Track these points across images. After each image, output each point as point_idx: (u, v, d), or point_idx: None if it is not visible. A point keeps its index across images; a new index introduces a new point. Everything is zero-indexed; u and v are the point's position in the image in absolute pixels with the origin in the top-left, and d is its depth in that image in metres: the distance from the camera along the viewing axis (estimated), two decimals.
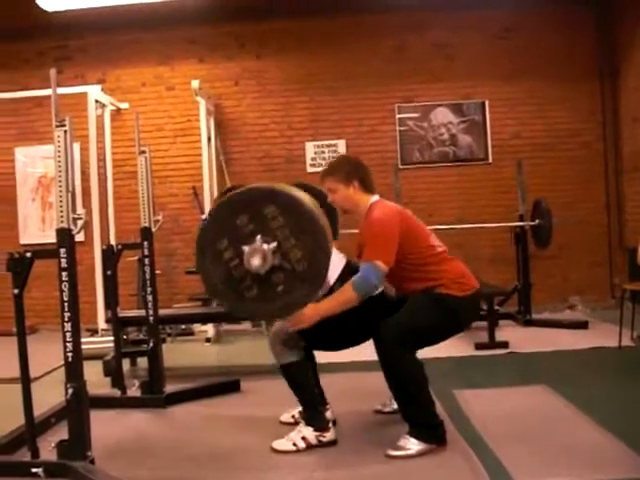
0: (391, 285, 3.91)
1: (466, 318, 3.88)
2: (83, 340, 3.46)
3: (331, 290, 3.75)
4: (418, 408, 3.65)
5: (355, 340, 3.95)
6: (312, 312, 3.58)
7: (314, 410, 3.83)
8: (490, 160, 8.52)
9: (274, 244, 3.31)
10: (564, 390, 4.60)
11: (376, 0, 7.99)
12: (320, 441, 3.73)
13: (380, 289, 3.77)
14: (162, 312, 5.29)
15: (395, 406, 4.22)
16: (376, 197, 3.85)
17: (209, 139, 8.01)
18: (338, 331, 3.80)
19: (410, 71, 8.22)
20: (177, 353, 6.82)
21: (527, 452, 3.52)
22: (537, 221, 7.39)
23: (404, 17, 8.35)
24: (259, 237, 3.32)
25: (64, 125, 3.25)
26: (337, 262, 3.86)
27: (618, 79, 8.41)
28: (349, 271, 3.74)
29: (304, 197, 3.48)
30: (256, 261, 3.29)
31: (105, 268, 5.24)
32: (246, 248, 3.32)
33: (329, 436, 3.76)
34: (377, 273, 3.55)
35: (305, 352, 3.89)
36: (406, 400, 3.69)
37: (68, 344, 3.25)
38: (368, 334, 3.81)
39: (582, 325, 7.08)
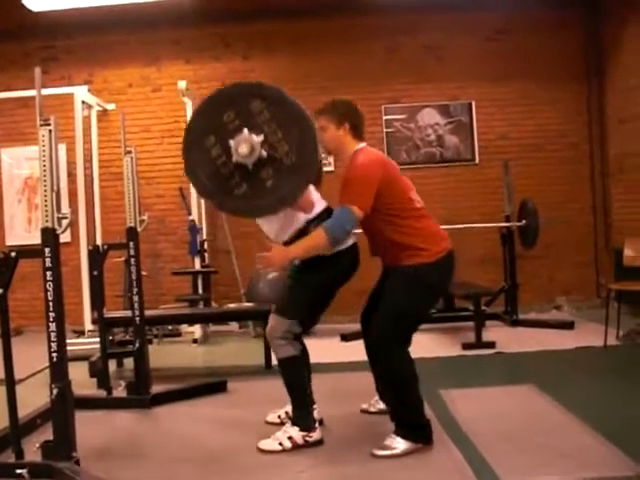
0: (368, 238, 3.86)
1: (443, 284, 3.87)
2: (69, 341, 3.45)
3: (303, 230, 3.74)
4: (407, 406, 3.66)
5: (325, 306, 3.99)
6: (282, 254, 3.59)
7: (304, 409, 3.82)
8: (477, 161, 8.54)
9: (261, 136, 3.30)
10: (550, 389, 4.61)
11: (368, 1, 8.00)
12: (306, 441, 3.73)
13: (351, 241, 3.78)
14: (148, 313, 5.26)
15: (381, 406, 4.24)
16: (364, 144, 3.83)
17: None
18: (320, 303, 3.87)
19: (399, 72, 8.21)
20: (164, 354, 6.81)
21: (513, 451, 3.53)
22: (523, 221, 7.41)
23: (395, 19, 8.36)
24: (246, 130, 3.31)
25: (49, 124, 3.24)
26: (319, 201, 3.89)
27: (604, 81, 8.44)
28: (328, 216, 3.72)
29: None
30: (244, 148, 3.28)
31: (91, 268, 5.22)
32: (232, 142, 3.31)
33: (315, 436, 3.76)
34: (351, 218, 3.52)
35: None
36: (395, 397, 3.70)
37: (53, 344, 3.24)
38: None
39: (568, 325, 7.11)
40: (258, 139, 3.30)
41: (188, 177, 3.50)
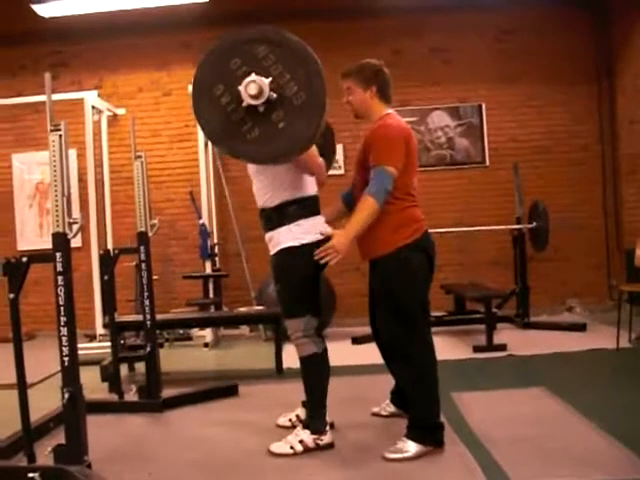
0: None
1: (431, 258, 3.78)
2: (81, 345, 3.46)
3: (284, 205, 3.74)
4: (424, 401, 3.66)
5: None
6: (343, 238, 3.53)
7: (319, 410, 3.81)
8: (487, 163, 8.53)
9: (269, 79, 3.31)
10: (562, 392, 4.60)
11: (373, 4, 8.01)
12: (317, 444, 3.73)
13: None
14: (159, 317, 5.27)
15: (392, 409, 4.25)
16: (391, 110, 3.82)
17: (206, 144, 8.00)
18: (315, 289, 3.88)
19: (407, 75, 8.19)
20: (175, 358, 6.83)
21: (525, 454, 3.51)
22: (534, 224, 7.39)
23: (401, 21, 8.37)
24: (254, 74, 3.31)
25: (59, 129, 3.25)
26: (313, 184, 3.91)
27: (615, 81, 8.42)
28: (312, 205, 3.82)
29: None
30: (252, 88, 3.28)
31: (102, 273, 5.23)
32: (241, 87, 3.32)
33: (326, 439, 3.75)
34: (388, 176, 3.52)
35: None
36: (413, 394, 3.70)
37: (64, 348, 3.25)
38: None
39: (580, 327, 7.08)
40: (266, 81, 3.31)
41: (200, 127, 3.49)
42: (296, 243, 3.66)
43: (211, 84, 3.40)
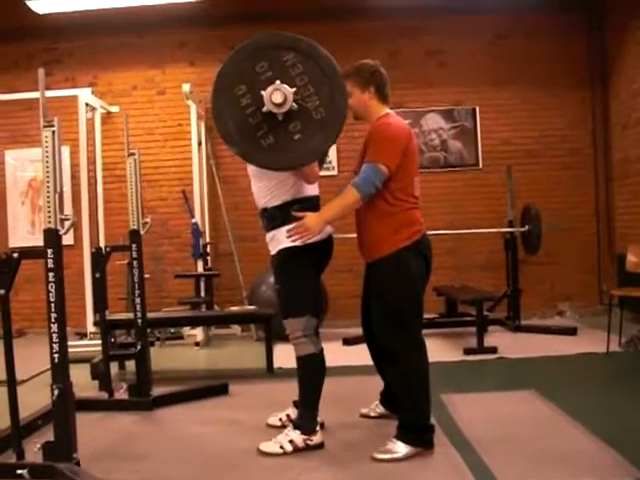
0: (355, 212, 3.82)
1: (428, 261, 3.79)
2: (71, 343, 3.46)
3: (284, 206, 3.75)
4: (414, 406, 3.66)
5: None
6: (316, 218, 3.55)
7: (311, 410, 3.81)
8: (480, 166, 8.55)
9: (294, 89, 3.32)
10: (552, 395, 4.61)
11: (370, 6, 8.02)
12: (307, 444, 3.73)
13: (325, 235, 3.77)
14: (151, 315, 5.27)
15: (381, 410, 4.25)
16: (389, 110, 3.82)
17: (199, 143, 8.01)
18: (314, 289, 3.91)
19: (402, 77, 8.17)
20: (166, 357, 6.82)
21: (514, 456, 3.52)
22: (526, 227, 7.41)
23: (398, 23, 8.39)
24: (278, 82, 3.31)
25: (52, 125, 3.25)
26: (315, 185, 3.92)
27: (608, 86, 8.44)
28: (314, 204, 3.84)
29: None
30: (278, 97, 3.28)
31: (94, 271, 5.22)
32: (264, 93, 3.31)
33: (316, 439, 3.76)
34: (379, 174, 3.53)
35: None
36: (404, 397, 3.70)
37: (54, 345, 3.25)
38: None
39: (571, 331, 7.10)
40: (291, 90, 3.31)
41: (215, 124, 3.48)
42: (298, 243, 3.66)
43: (233, 83, 3.39)
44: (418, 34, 8.50)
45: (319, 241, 3.71)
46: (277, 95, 3.28)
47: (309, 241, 3.62)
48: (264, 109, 3.33)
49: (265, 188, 3.82)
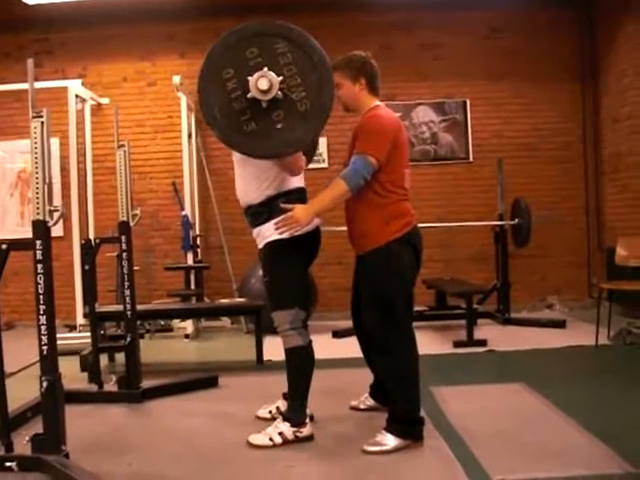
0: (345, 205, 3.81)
1: (418, 253, 3.78)
2: (61, 335, 3.44)
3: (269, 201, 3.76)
4: (404, 399, 3.66)
5: None
6: (305, 210, 3.53)
7: (300, 403, 3.81)
8: (471, 159, 8.56)
9: (280, 78, 3.31)
10: (541, 388, 4.63)
11: None
12: (297, 436, 3.73)
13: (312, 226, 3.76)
14: (140, 307, 5.26)
15: (371, 403, 4.26)
16: (379, 102, 3.81)
17: (190, 135, 7.99)
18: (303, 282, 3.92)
19: (394, 70, 8.16)
20: (156, 349, 6.81)
21: (503, 448, 3.53)
22: (516, 220, 7.42)
23: (391, 16, 8.38)
24: (266, 68, 3.31)
25: (41, 116, 3.23)
26: (300, 177, 3.92)
27: (599, 80, 8.46)
28: (299, 196, 3.83)
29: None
30: (263, 83, 3.27)
31: (83, 263, 5.20)
32: (251, 78, 3.30)
33: (306, 432, 3.76)
34: (368, 165, 3.51)
35: None
36: (394, 389, 3.70)
37: (43, 337, 3.23)
38: None
39: (560, 324, 7.13)
40: (278, 78, 3.30)
41: (200, 105, 3.46)
42: (285, 235, 3.65)
43: (223, 66, 3.38)
44: (413, 28, 8.50)
45: (307, 233, 3.71)
46: (263, 82, 3.27)
47: (296, 233, 3.61)
48: (249, 95, 3.32)
49: (246, 183, 3.82)
